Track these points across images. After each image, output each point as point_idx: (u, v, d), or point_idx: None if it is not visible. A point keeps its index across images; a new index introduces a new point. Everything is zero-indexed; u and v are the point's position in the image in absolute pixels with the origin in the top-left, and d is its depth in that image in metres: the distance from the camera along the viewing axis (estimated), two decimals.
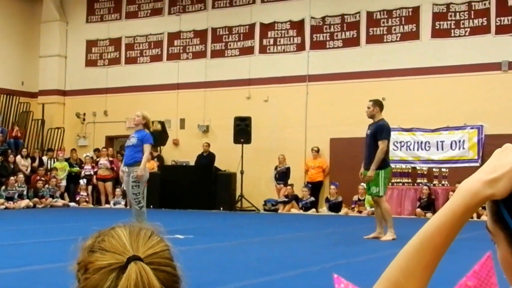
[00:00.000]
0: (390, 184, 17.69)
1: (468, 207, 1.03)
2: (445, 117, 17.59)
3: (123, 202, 20.09)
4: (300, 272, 7.03)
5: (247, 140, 19.26)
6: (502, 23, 17.67)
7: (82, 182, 20.69)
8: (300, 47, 20.22)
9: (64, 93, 23.81)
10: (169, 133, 20.77)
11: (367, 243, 10.21)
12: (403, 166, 18.09)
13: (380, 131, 10.58)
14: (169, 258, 1.30)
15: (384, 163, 10.60)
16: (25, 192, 19.36)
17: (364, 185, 13.44)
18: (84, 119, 23.28)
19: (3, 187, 18.99)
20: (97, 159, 21.16)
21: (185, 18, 22.09)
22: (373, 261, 7.66)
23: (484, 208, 1.07)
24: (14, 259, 7.71)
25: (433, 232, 1.05)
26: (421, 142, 18.10)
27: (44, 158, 21.65)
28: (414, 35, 18.74)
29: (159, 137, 19.89)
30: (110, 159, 21.00)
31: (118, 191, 20.35)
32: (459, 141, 17.63)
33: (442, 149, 17.80)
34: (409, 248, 1.07)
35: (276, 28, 20.66)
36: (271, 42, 20.72)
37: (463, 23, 18.14)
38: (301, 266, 7.49)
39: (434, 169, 17.77)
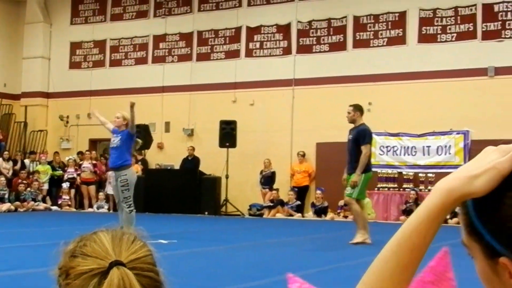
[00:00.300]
0: (376, 189, 17.75)
1: (444, 206, 1.01)
2: (432, 122, 17.55)
3: (106, 206, 19.90)
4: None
5: (233, 144, 19.14)
6: (488, 29, 17.68)
7: (65, 185, 20.45)
8: (287, 51, 20.15)
9: (47, 95, 23.58)
10: (154, 136, 20.63)
11: (353, 248, 10.11)
12: (389, 171, 18.04)
13: (362, 136, 10.57)
14: (152, 263, 1.28)
15: (366, 168, 10.56)
16: (6, 196, 19.11)
17: None
18: (67, 122, 23.06)
19: None
20: (80, 162, 20.96)
21: (170, 21, 21.96)
22: (359, 266, 7.55)
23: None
24: None
25: (410, 233, 1.03)
26: (408, 147, 18.05)
27: (26, 161, 21.40)
28: (400, 40, 18.71)
29: (144, 140, 19.76)
30: (94, 162, 20.82)
31: (101, 194, 20.18)
32: (445, 147, 17.60)
33: (428, 154, 17.76)
34: (387, 250, 1.05)
35: (262, 31, 20.58)
36: (257, 45, 20.62)
37: (450, 29, 18.13)
38: (286, 271, 7.36)
39: (420, 174, 17.74)
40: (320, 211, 18.13)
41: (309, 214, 18.39)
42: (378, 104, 18.17)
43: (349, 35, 19.38)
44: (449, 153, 17.56)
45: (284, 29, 20.27)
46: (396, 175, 18.01)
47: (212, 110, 20.31)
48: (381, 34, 18.97)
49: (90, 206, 20.40)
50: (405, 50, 18.57)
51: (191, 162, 20.05)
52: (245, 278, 6.90)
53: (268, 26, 20.50)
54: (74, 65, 23.42)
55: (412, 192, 17.23)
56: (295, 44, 20.07)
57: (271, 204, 18.82)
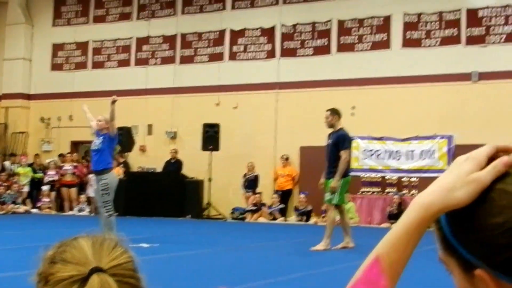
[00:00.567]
0: (359, 193, 17.71)
1: (422, 221, 1.01)
2: (415, 127, 17.54)
3: (87, 209, 19.72)
4: (268, 282, 6.91)
5: (216, 147, 19.04)
6: (472, 34, 17.71)
7: (45, 188, 20.24)
8: (271, 54, 20.08)
9: (28, 97, 23.36)
10: (136, 139, 20.49)
11: (336, 253, 10.04)
12: (373, 175, 18.00)
13: (342, 141, 10.56)
14: (133, 270, 1.27)
15: (344, 173, 10.49)
16: None
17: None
18: (49, 124, 22.85)
19: None
20: (62, 165, 20.76)
21: (154, 23, 21.84)
22: (340, 272, 7.52)
23: None
24: None
25: (389, 248, 1.03)
26: (391, 151, 18.02)
27: (7, 163, 21.16)
28: (385, 44, 18.71)
29: (126, 142, 19.63)
30: (75, 164, 20.63)
31: (82, 197, 20.01)
32: (429, 151, 17.58)
33: (412, 159, 17.73)
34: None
35: (246, 35, 20.50)
36: (241, 48, 20.55)
37: (434, 33, 18.15)
38: (269, 276, 7.33)
39: (403, 179, 17.73)
40: (303, 215, 18.05)
41: (292, 218, 18.31)
42: (362, 108, 18.16)
43: (333, 39, 19.35)
44: (433, 158, 17.54)
45: (268, 33, 20.21)
46: (379, 179, 17.98)
47: (196, 113, 20.20)
48: (366, 38, 18.95)
49: (71, 209, 20.22)
50: (389, 54, 18.57)
51: (173, 165, 19.94)
52: (226, 283, 6.81)
53: (252, 29, 20.43)
54: (56, 66, 23.22)
55: (396, 196, 17.21)
56: (279, 47, 20.01)
57: (254, 208, 18.72)
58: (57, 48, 23.25)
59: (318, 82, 19.08)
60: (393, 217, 17.02)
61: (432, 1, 18.12)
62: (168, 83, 21.22)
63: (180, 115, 20.79)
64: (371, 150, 18.15)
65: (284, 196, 18.86)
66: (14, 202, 19.46)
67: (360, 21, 19.03)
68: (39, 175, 20.72)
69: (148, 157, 21.10)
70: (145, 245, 9.32)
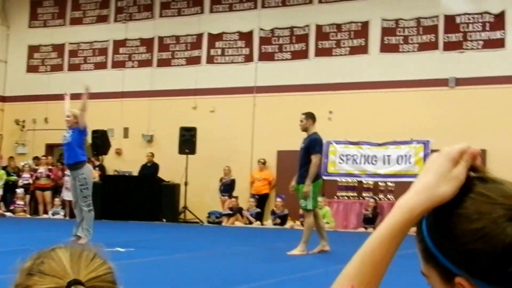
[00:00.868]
0: (335, 197, 17.71)
1: (406, 222, 1.04)
2: (392, 132, 17.59)
3: (62, 213, 19.53)
4: None
5: (192, 151, 18.96)
6: (449, 40, 17.82)
7: (19, 191, 20.01)
8: (248, 58, 20.05)
9: (3, 99, 23.11)
10: (112, 142, 20.32)
11: (312, 258, 10.01)
12: (349, 179, 18.01)
13: (313, 145, 10.56)
14: (112, 282, 1.25)
15: (315, 177, 10.49)
16: None
17: None
18: (23, 126, 22.61)
19: None
20: (36, 168, 20.55)
21: (131, 26, 21.73)
22: (318, 277, 7.50)
23: None
24: None
25: (373, 250, 1.06)
26: (368, 156, 18.03)
27: None
28: (363, 50, 18.76)
29: (101, 145, 19.47)
30: (50, 167, 20.43)
31: (57, 200, 19.80)
32: (405, 156, 17.63)
33: (389, 164, 17.77)
34: (350, 268, 1.08)
35: (224, 38, 20.46)
36: (219, 52, 20.50)
37: (412, 39, 18.23)
38: (245, 281, 7.28)
39: (380, 183, 17.76)
40: (280, 219, 18.01)
41: (268, 222, 18.27)
42: (339, 113, 18.19)
43: (311, 44, 19.37)
44: (409, 163, 17.58)
45: (246, 37, 20.18)
46: (356, 184, 18.00)
47: (172, 116, 20.11)
48: (344, 43, 19.00)
49: (45, 212, 20.02)
50: (367, 59, 18.62)
51: (150, 169, 19.84)
52: None
53: (230, 33, 20.39)
54: (31, 68, 23.01)
55: (372, 200, 17.24)
56: (257, 51, 19.99)
57: (230, 212, 18.65)
58: (33, 50, 23.05)
59: (295, 86, 19.08)
60: (369, 221, 17.07)
61: (410, 7, 18.20)
62: (145, 86, 21.11)
63: (156, 118, 20.68)
64: (347, 155, 18.16)
65: (261, 200, 18.82)
66: None
67: (338, 26, 19.07)
68: (13, 178, 20.49)
69: (124, 160, 20.96)
70: (121, 249, 9.22)
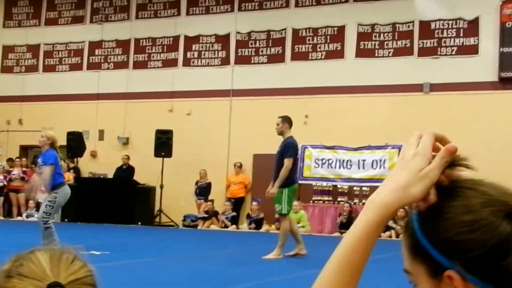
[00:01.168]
0: (311, 201, 17.77)
1: (382, 220, 1.03)
2: (367, 136, 17.69)
3: (36, 215, 19.32)
4: None
5: (168, 154, 18.90)
6: (424, 46, 17.97)
7: None
8: (225, 61, 20.05)
9: None
10: (87, 144, 20.19)
11: (288, 262, 10.03)
12: (324, 184, 18.08)
13: (287, 149, 10.60)
14: (92, 285, 1.24)
15: (289, 181, 10.57)
16: None
17: None
18: None
19: None
20: (10, 169, 20.36)
21: (107, 27, 21.62)
22: (293, 281, 7.51)
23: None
24: None
25: (349, 251, 1.04)
26: (343, 160, 18.13)
27: None
28: (339, 54, 18.84)
29: (76, 147, 19.34)
30: (24, 169, 20.25)
31: (31, 203, 19.61)
32: (380, 160, 17.75)
33: (364, 168, 17.87)
34: (328, 271, 1.06)
35: (201, 41, 20.44)
36: (196, 55, 20.47)
37: (387, 44, 18.36)
38: (220, 285, 7.27)
39: (355, 188, 17.84)
40: (255, 223, 18.03)
41: (244, 226, 18.27)
42: (315, 117, 18.24)
43: (288, 48, 19.42)
44: (384, 167, 17.70)
45: (223, 40, 20.17)
46: (331, 188, 18.07)
47: (148, 119, 20.04)
48: (320, 48, 19.07)
49: (19, 214, 19.84)
50: (343, 64, 18.70)
51: (125, 171, 19.74)
52: None
53: (206, 36, 20.37)
54: (5, 69, 22.80)
55: (347, 205, 17.31)
56: (233, 54, 20.00)
57: (206, 216, 18.62)
58: (7, 50, 22.84)
59: (272, 90, 19.11)
60: (344, 226, 17.13)
61: (386, 12, 18.32)
62: (121, 88, 21.01)
63: (132, 120, 20.60)
64: (323, 159, 18.24)
65: (236, 203, 18.81)
66: None
67: (315, 30, 19.14)
68: None
69: (99, 163, 20.84)
70: (96, 252, 9.17)
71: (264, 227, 17.96)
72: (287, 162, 10.47)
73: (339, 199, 17.90)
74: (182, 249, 12.20)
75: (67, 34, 22.06)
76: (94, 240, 11.71)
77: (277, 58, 19.47)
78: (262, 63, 19.65)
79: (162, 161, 18.87)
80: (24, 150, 22.08)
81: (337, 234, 16.96)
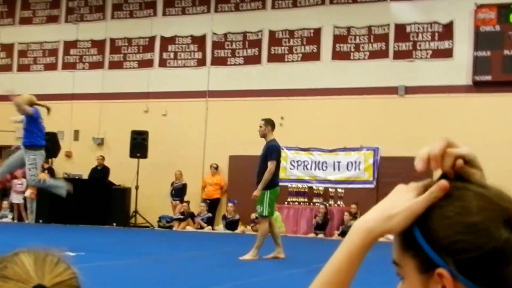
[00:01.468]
0: (286, 203, 17.81)
1: (364, 245, 1.06)
2: (343, 138, 17.79)
3: (10, 216, 19.19)
4: None
5: (144, 155, 18.84)
6: (400, 49, 18.09)
7: None
8: (201, 62, 20.03)
9: None
10: (62, 144, 20.03)
11: (264, 263, 10.05)
12: (300, 185, 18.14)
13: (270, 152, 10.66)
14: (77, 287, 1.24)
15: (271, 184, 10.62)
16: None
17: None
18: None
19: None
20: None
21: (82, 27, 21.49)
22: (270, 282, 7.53)
23: None
24: None
25: (333, 273, 1.07)
26: (318, 162, 18.22)
27: None
28: (314, 56, 18.91)
29: (51, 148, 19.17)
30: None
31: (5, 203, 19.45)
32: (355, 162, 17.87)
33: (339, 170, 17.98)
34: None
35: (177, 42, 20.39)
36: (172, 56, 20.42)
37: (363, 47, 18.45)
38: (195, 286, 7.25)
39: (330, 189, 17.92)
40: (231, 224, 18.03)
41: (220, 227, 18.27)
42: (291, 119, 18.28)
43: (264, 49, 19.45)
44: (359, 169, 17.83)
45: (199, 41, 20.15)
46: (306, 190, 18.13)
47: (124, 119, 19.94)
48: (296, 50, 19.12)
49: None
50: (319, 66, 18.77)
51: (100, 172, 19.63)
52: None
53: (183, 37, 20.33)
54: None
55: (322, 206, 17.38)
56: (209, 56, 19.98)
57: (181, 217, 18.59)
58: None
59: (248, 91, 19.13)
60: (319, 227, 17.22)
61: (362, 15, 18.43)
62: (96, 88, 20.90)
63: (107, 121, 20.50)
64: (298, 161, 18.32)
65: (212, 204, 18.80)
66: None
67: (291, 32, 19.19)
68: None
69: (74, 163, 20.71)
70: (70, 253, 9.09)
71: (240, 228, 17.99)
72: (271, 165, 10.52)
73: (314, 200, 17.97)
74: (159, 250, 12.16)
75: (41, 33, 21.90)
76: (69, 241, 11.63)
77: (253, 60, 19.49)
78: (238, 64, 19.66)
79: (137, 162, 18.81)
80: None
81: (312, 235, 17.05)
